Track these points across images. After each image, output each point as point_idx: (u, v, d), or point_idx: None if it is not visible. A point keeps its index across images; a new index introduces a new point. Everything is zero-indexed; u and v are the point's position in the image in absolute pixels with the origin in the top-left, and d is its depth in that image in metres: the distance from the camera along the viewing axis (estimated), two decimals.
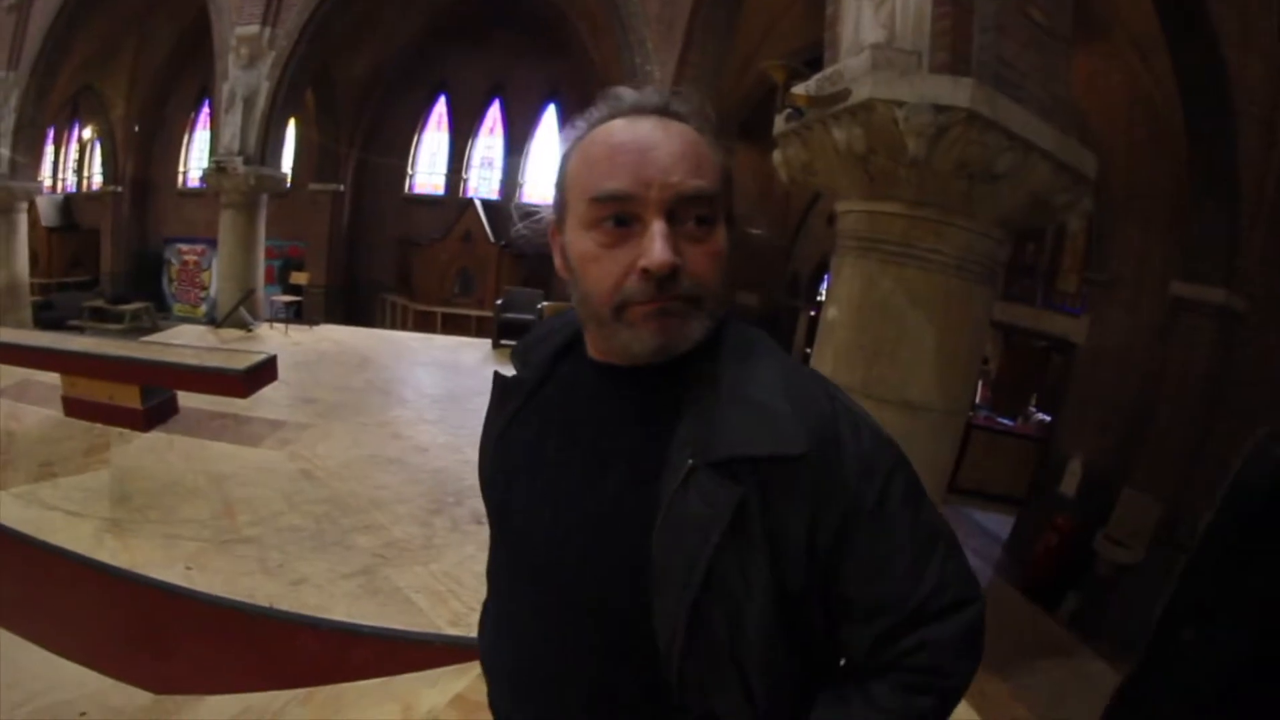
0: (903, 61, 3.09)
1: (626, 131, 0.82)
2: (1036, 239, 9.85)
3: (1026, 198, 3.27)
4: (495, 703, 1.02)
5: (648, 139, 0.81)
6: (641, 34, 9.46)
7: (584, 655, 0.87)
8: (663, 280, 0.78)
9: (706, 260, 0.82)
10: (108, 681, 3.19)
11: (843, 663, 0.91)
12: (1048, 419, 10.78)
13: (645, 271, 0.78)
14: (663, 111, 0.85)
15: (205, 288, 19.09)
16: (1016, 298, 11.17)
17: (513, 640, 0.97)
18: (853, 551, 0.81)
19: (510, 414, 1.00)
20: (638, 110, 0.85)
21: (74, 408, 6.18)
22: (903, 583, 0.82)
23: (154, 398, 6.14)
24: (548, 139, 19.56)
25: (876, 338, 3.35)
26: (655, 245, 0.78)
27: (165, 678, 3.21)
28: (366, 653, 3.22)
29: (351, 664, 3.16)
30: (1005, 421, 10.79)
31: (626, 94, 0.87)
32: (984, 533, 8.29)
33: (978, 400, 11.32)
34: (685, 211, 0.80)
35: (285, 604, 3.51)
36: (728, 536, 0.78)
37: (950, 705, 0.86)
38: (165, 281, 19.74)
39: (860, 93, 3.09)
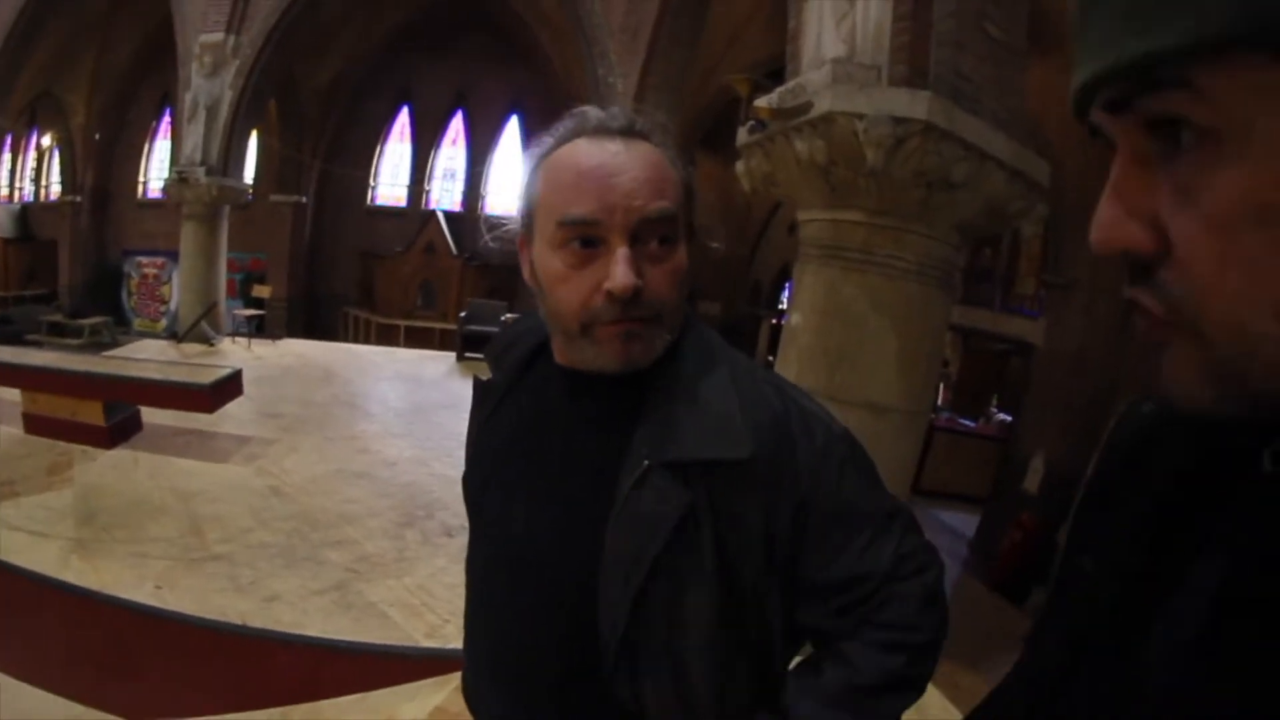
0: (862, 75, 3.18)
1: (592, 155, 0.84)
2: (994, 244, 10.07)
3: (982, 205, 3.37)
4: (474, 687, 1.07)
5: (612, 163, 0.83)
6: (605, 45, 9.53)
7: (552, 643, 0.93)
8: (626, 302, 0.82)
9: (667, 279, 0.85)
10: (77, 708, 3.11)
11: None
12: (1009, 419, 10.98)
13: (609, 293, 0.82)
14: (627, 132, 0.87)
15: (165, 301, 18.82)
16: (975, 302, 11.39)
17: (489, 628, 1.02)
18: (812, 537, 0.88)
19: (485, 417, 1.05)
20: (602, 130, 0.86)
21: (35, 424, 6.06)
22: (863, 560, 0.89)
23: (117, 414, 6.05)
24: (510, 150, 19.69)
25: (839, 342, 3.43)
26: (619, 269, 0.81)
27: (138, 702, 3.14)
28: (343, 668, 3.23)
29: (328, 680, 3.14)
30: (967, 423, 10.97)
31: (592, 113, 0.88)
32: (950, 531, 8.43)
33: (939, 402, 11.51)
34: (648, 233, 0.83)
35: (258, 621, 3.50)
36: (676, 533, 0.83)
37: (921, 667, 0.91)
38: (124, 295, 19.42)
39: (821, 105, 3.17)
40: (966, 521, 9.20)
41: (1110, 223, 0.39)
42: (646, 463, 0.84)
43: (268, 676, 3.24)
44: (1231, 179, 0.34)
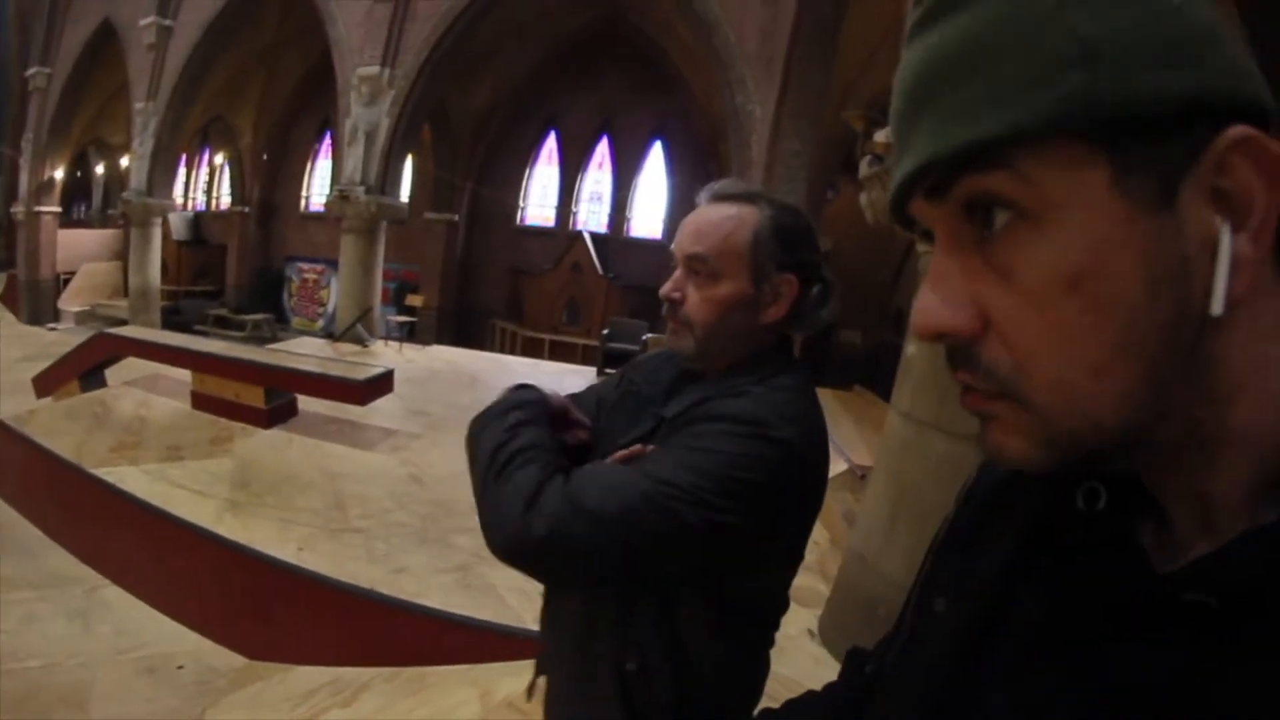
0: None
1: (692, 213, 1.20)
2: None
3: None
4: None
5: (690, 218, 1.18)
6: (740, 72, 9.58)
7: None
8: (669, 306, 1.17)
9: (699, 302, 1.14)
10: (207, 643, 3.48)
11: None
12: None
13: (661, 296, 1.18)
14: (721, 197, 1.18)
15: (323, 304, 20.26)
16: None
17: None
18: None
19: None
20: (709, 195, 1.20)
21: (202, 402, 6.73)
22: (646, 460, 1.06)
23: (276, 399, 6.61)
24: (654, 174, 19.94)
25: (950, 374, 3.38)
26: (666, 283, 1.17)
27: (261, 645, 3.47)
28: (455, 640, 3.37)
29: (440, 649, 3.31)
30: None
31: (714, 185, 1.22)
32: None
33: None
34: (693, 267, 1.15)
35: (385, 589, 3.73)
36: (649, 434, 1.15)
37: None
38: (285, 296, 21.23)
39: None
40: None
41: (930, 309, 0.42)
42: (661, 414, 1.17)
43: (385, 639, 3.44)
44: (1047, 254, 0.38)
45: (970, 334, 0.41)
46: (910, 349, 3.68)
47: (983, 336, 0.41)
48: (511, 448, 1.09)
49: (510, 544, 1.02)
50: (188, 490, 4.79)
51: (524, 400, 1.22)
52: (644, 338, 12.07)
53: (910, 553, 3.50)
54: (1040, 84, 0.37)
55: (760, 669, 1.23)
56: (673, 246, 1.18)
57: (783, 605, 1.21)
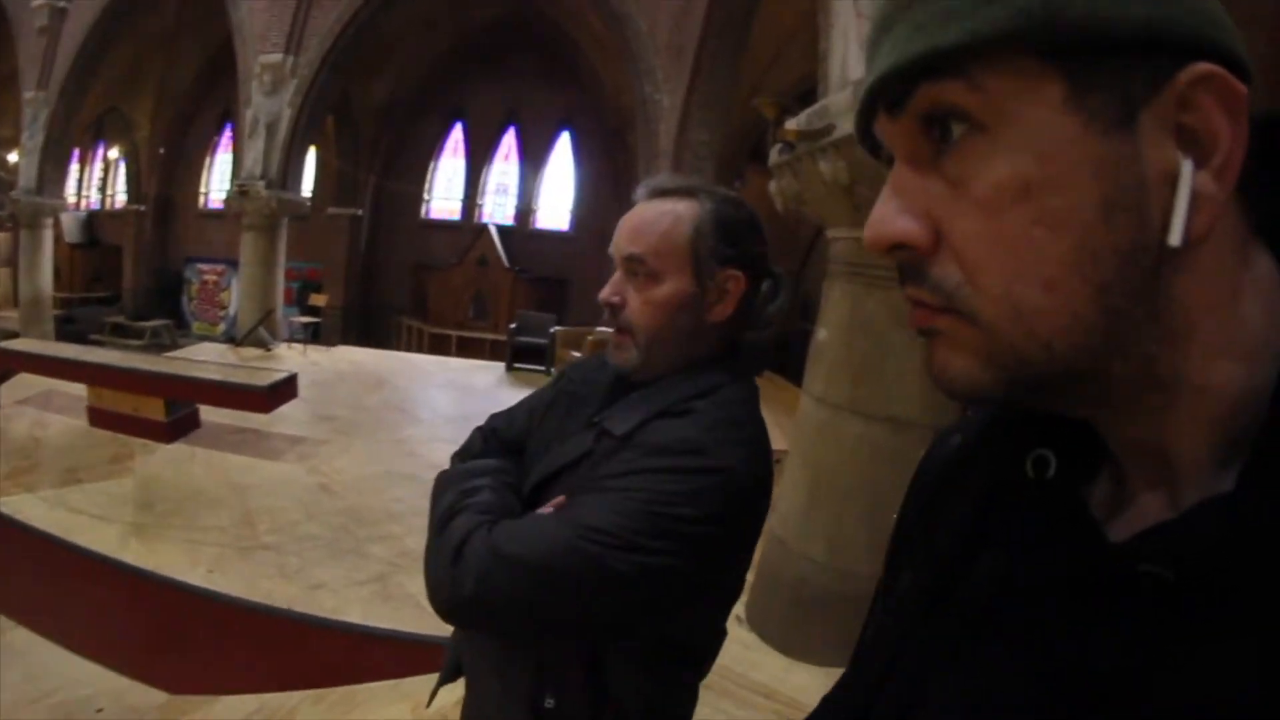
0: None
1: (629, 212, 1.15)
2: None
3: None
4: None
5: (627, 216, 1.13)
6: (651, 63, 9.62)
7: None
8: (609, 311, 1.12)
9: (639, 305, 1.10)
10: (124, 680, 3.29)
11: None
12: None
13: (600, 302, 1.12)
14: (661, 193, 1.14)
15: (224, 307, 19.35)
16: None
17: None
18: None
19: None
20: (647, 192, 1.15)
21: (99, 418, 6.40)
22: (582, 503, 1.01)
23: (177, 411, 6.35)
24: (561, 165, 19.84)
25: (863, 357, 3.50)
26: (605, 286, 1.12)
27: (182, 677, 3.30)
28: (379, 655, 3.35)
29: (364, 665, 3.28)
30: None
31: (651, 182, 1.17)
32: None
33: (970, 413, 11.27)
34: (632, 269, 1.10)
35: (302, 607, 3.65)
36: (573, 463, 1.09)
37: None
38: (185, 300, 20.10)
39: (844, 127, 3.24)
40: None
41: (884, 218, 0.42)
42: (596, 421, 1.12)
43: (307, 659, 3.38)
44: (998, 164, 0.38)
45: (923, 245, 0.41)
46: (822, 334, 3.75)
47: (935, 251, 0.41)
48: (459, 507, 1.06)
49: (445, 605, 1.00)
50: (89, 516, 4.56)
51: (494, 469, 1.17)
52: (552, 330, 11.90)
53: (830, 534, 3.60)
54: None
55: (689, 705, 1.19)
56: (610, 249, 1.13)
57: (717, 641, 1.18)
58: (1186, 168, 0.36)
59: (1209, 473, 0.39)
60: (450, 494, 1.10)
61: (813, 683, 3.62)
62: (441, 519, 1.06)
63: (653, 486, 0.96)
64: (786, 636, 3.70)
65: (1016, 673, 0.43)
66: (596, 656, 1.04)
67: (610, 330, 1.13)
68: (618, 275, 1.12)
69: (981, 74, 0.38)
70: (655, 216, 1.11)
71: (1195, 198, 0.36)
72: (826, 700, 0.63)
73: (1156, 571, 0.37)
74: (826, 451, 3.64)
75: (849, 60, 3.48)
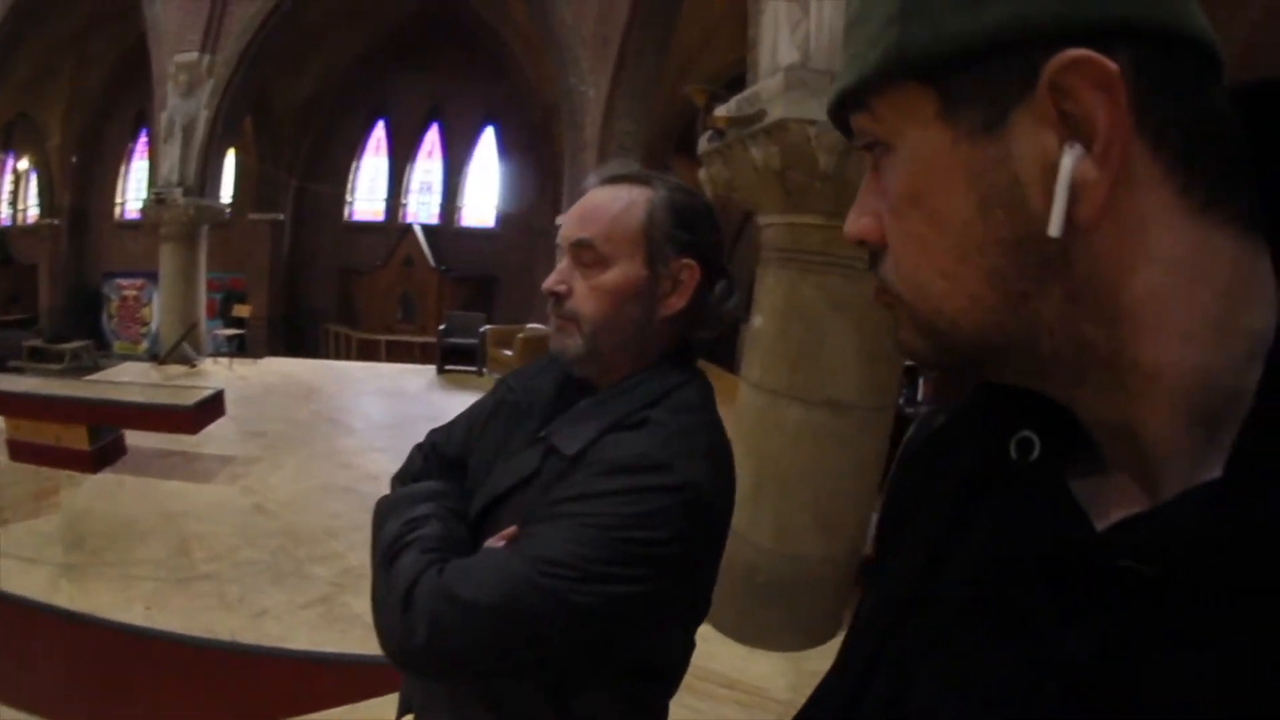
0: (815, 81, 3.24)
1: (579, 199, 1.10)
2: None
3: None
4: None
5: (579, 204, 1.09)
6: (576, 54, 9.57)
7: None
8: (554, 300, 1.07)
9: (588, 293, 1.05)
10: None
11: None
12: None
13: (543, 291, 1.08)
14: (614, 179, 1.10)
15: (146, 323, 18.51)
16: None
17: None
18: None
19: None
20: (599, 179, 1.11)
21: (20, 451, 6.06)
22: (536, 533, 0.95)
23: (102, 438, 6.05)
24: (486, 161, 19.60)
25: (800, 343, 3.52)
26: (550, 275, 1.07)
27: None
28: (331, 680, 3.25)
29: (316, 693, 3.18)
30: None
31: (603, 170, 1.13)
32: None
33: (920, 397, 11.55)
34: (580, 256, 1.05)
35: (247, 637, 3.54)
36: (520, 484, 1.04)
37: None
38: (105, 318, 19.02)
39: (775, 113, 3.24)
40: None
41: (851, 218, 0.50)
42: (543, 435, 1.07)
43: (257, 691, 3.26)
44: (894, 175, 0.45)
45: (873, 241, 0.48)
46: (758, 320, 3.76)
47: (885, 245, 0.47)
48: (404, 541, 0.99)
49: (397, 655, 0.92)
50: (16, 559, 4.29)
51: (436, 493, 1.09)
52: (482, 330, 11.76)
53: (778, 519, 3.64)
54: (876, 41, 0.43)
55: None
56: (558, 238, 1.10)
57: (686, 660, 1.13)
58: (1067, 159, 0.37)
59: (1187, 459, 0.39)
60: (393, 524, 1.03)
61: (773, 669, 3.66)
62: (385, 555, 0.98)
63: (612, 510, 0.91)
64: (742, 625, 3.73)
65: (1004, 659, 0.43)
66: (562, 686, 1.00)
67: (549, 324, 1.10)
68: (564, 263, 1.07)
69: (878, 104, 0.45)
70: (606, 200, 1.07)
71: (1079, 186, 0.37)
72: (819, 690, 0.62)
73: (1136, 568, 0.37)
74: (768, 438, 3.67)
75: (779, 46, 3.47)
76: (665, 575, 0.92)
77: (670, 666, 1.11)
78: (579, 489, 0.94)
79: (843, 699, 0.55)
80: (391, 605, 0.91)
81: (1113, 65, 0.36)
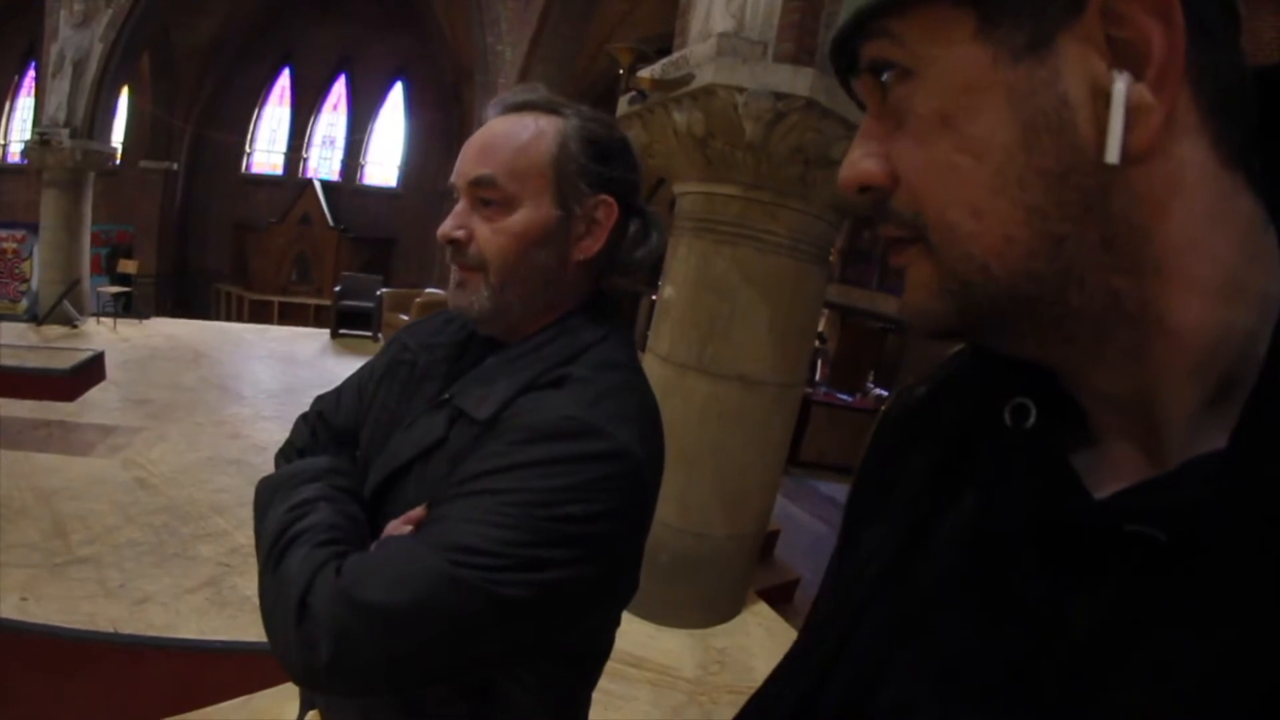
0: (747, 50, 3.19)
1: (479, 130, 0.97)
2: (872, 226, 10.41)
3: None
4: None
5: (476, 136, 0.95)
6: (496, 12, 9.37)
7: None
8: (452, 249, 0.94)
9: (494, 236, 0.92)
10: None
11: None
12: (885, 394, 11.40)
13: (440, 238, 0.94)
14: (520, 107, 0.96)
15: (26, 279, 17.35)
16: (853, 281, 11.81)
17: None
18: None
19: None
20: (500, 106, 0.98)
21: None
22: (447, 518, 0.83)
23: None
24: (393, 118, 19.10)
25: (711, 315, 3.50)
26: (445, 220, 0.94)
27: None
28: (223, 671, 3.12)
29: (208, 684, 3.04)
30: (844, 397, 11.15)
31: (509, 94, 0.99)
32: (830, 501, 8.66)
33: (818, 377, 11.81)
34: (480, 195, 0.92)
35: (130, 627, 3.35)
36: (424, 454, 0.93)
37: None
38: None
39: (703, 77, 3.18)
40: (844, 491, 9.49)
41: (851, 162, 0.44)
42: (447, 396, 0.95)
43: (144, 685, 3.10)
44: (921, 98, 0.40)
45: (881, 183, 0.43)
46: (668, 291, 3.73)
47: (894, 188, 0.43)
48: (291, 533, 0.84)
49: (297, 672, 0.79)
50: None
51: (324, 470, 0.95)
52: (379, 293, 11.39)
53: (681, 496, 3.64)
54: None
55: (584, 713, 1.07)
56: (452, 177, 0.95)
57: (609, 646, 1.04)
58: (1120, 82, 0.35)
59: (1195, 426, 0.39)
60: (277, 511, 0.89)
61: (679, 646, 3.70)
62: (271, 551, 0.84)
63: (535, 484, 0.79)
64: (648, 603, 3.71)
65: (990, 635, 0.42)
66: (485, 684, 0.90)
67: (452, 273, 0.96)
68: (461, 206, 0.94)
69: (900, 26, 0.40)
70: (510, 130, 0.94)
71: (1132, 112, 0.35)
72: (771, 679, 0.58)
73: (1145, 532, 0.36)
74: (674, 412, 3.60)
75: (713, 12, 3.44)
76: (600, 556, 0.82)
77: (598, 652, 1.02)
78: (496, 460, 0.82)
79: (805, 683, 0.52)
80: (284, 616, 0.78)
81: None
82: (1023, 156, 0.38)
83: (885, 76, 0.42)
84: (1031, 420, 0.45)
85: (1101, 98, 0.36)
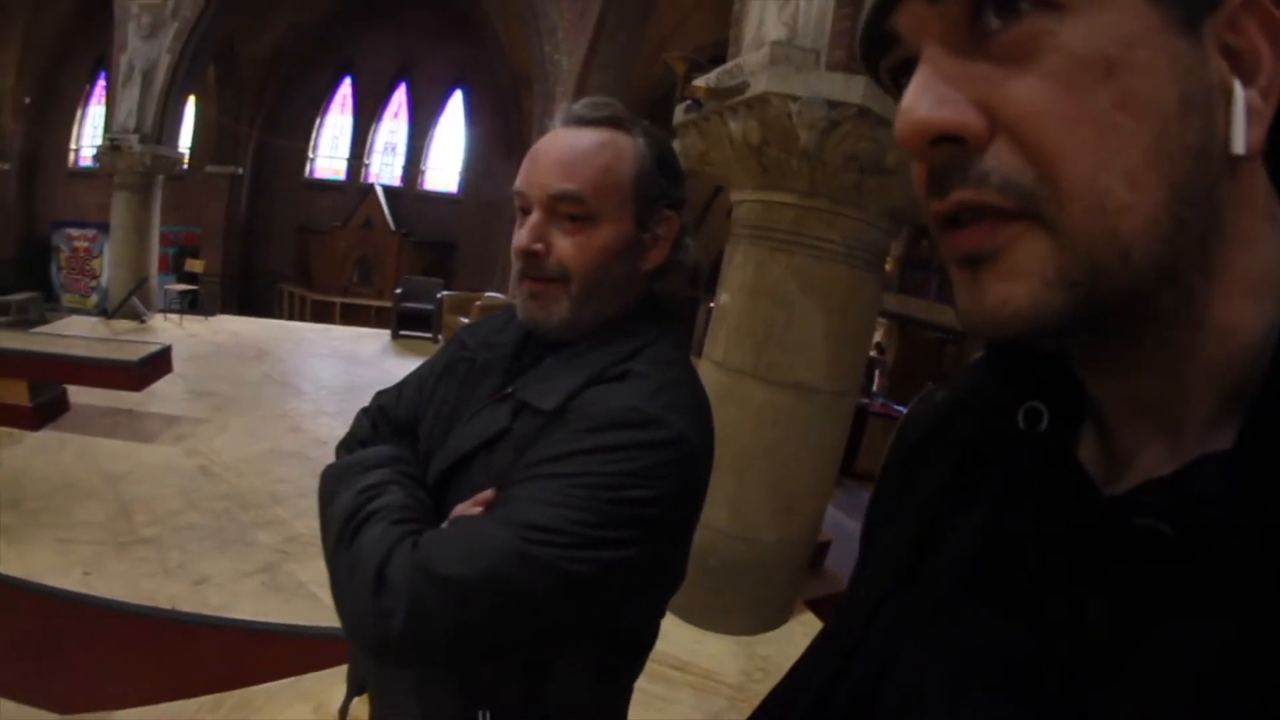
0: (800, 58, 3.20)
1: (546, 140, 0.99)
2: (930, 234, 10.26)
3: (915, 192, 3.43)
4: None
5: (549, 147, 0.97)
6: (553, 21, 9.45)
7: None
8: (528, 260, 0.95)
9: (573, 250, 0.95)
10: (8, 704, 2.98)
11: None
12: None
13: (515, 250, 0.96)
14: (596, 122, 0.98)
15: (96, 276, 17.93)
16: (911, 290, 11.54)
17: None
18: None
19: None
20: (572, 119, 1.00)
21: None
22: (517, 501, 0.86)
23: (43, 394, 5.82)
24: (453, 125, 19.36)
25: (767, 323, 3.49)
26: (522, 232, 0.95)
27: (70, 695, 3.04)
28: (274, 652, 3.20)
29: (259, 664, 3.11)
30: (901, 409, 11.07)
31: (576, 105, 1.01)
32: None
33: (875, 388, 11.64)
34: (561, 208, 0.94)
35: (188, 605, 3.44)
36: (494, 440, 0.96)
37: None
38: (54, 269, 18.35)
39: (757, 86, 3.18)
40: None
41: (921, 107, 0.37)
42: (510, 390, 0.99)
43: (198, 662, 3.18)
44: (1079, 37, 0.34)
45: (978, 132, 0.36)
46: (724, 298, 3.72)
47: (989, 141, 0.36)
48: (364, 513, 0.88)
49: (372, 644, 0.83)
50: None
51: (390, 458, 0.99)
52: (439, 296, 11.54)
53: (734, 502, 3.63)
54: None
55: (626, 705, 1.09)
56: (522, 185, 0.97)
57: (654, 637, 1.07)
58: (1238, 84, 0.35)
59: (1210, 424, 0.38)
60: (347, 494, 0.92)
61: (725, 652, 3.66)
62: (343, 530, 0.88)
63: (600, 469, 0.83)
64: (694, 607, 3.71)
65: (1001, 631, 0.42)
66: (539, 664, 0.93)
67: (524, 285, 0.99)
68: (537, 218, 0.95)
69: None
70: (591, 148, 0.96)
71: (1248, 112, 0.35)
72: (795, 668, 0.59)
73: (1154, 525, 0.36)
74: (728, 417, 3.60)
75: (766, 21, 3.43)
76: (657, 538, 0.86)
77: (647, 637, 1.05)
78: (562, 447, 0.87)
79: (822, 678, 0.52)
80: (360, 588, 0.81)
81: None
82: (1178, 128, 0.34)
83: (1021, 7, 0.35)
84: (1044, 423, 0.45)
85: (1225, 92, 0.35)
